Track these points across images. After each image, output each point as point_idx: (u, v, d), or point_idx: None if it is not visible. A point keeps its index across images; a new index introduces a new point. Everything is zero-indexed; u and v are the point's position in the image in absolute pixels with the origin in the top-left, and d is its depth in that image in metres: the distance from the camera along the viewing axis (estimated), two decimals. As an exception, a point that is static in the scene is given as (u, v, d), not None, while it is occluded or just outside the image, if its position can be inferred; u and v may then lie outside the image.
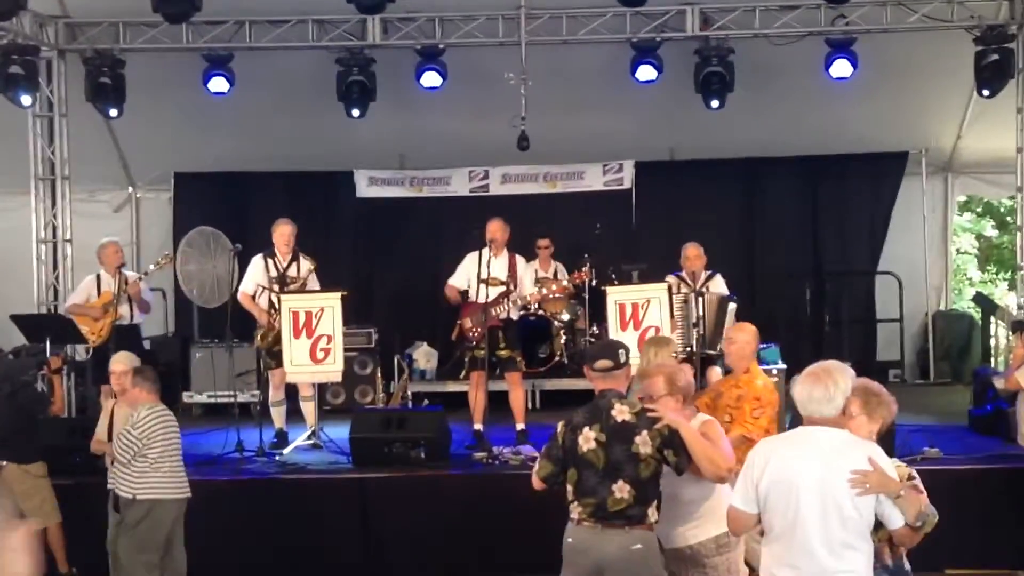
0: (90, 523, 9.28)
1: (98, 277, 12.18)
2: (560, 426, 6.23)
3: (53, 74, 13.73)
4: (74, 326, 11.80)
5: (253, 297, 11.65)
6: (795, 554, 5.02)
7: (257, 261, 11.73)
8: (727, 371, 11.43)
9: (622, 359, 6.25)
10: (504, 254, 11.62)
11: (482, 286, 11.48)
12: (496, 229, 11.62)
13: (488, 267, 11.46)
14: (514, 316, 11.77)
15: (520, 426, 11.54)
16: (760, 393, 7.70)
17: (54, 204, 13.94)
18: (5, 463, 9.42)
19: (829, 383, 5.10)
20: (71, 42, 13.65)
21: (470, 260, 11.71)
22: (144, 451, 8.35)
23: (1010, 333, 12.80)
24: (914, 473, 5.52)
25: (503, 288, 11.46)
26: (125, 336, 11.78)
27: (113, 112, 13.70)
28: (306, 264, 11.71)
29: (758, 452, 5.27)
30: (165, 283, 15.20)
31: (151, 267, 12.70)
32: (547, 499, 6.48)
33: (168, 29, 13.13)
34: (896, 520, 5.08)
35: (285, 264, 11.66)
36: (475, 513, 9.58)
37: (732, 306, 11.29)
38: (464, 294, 11.75)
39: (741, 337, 8.01)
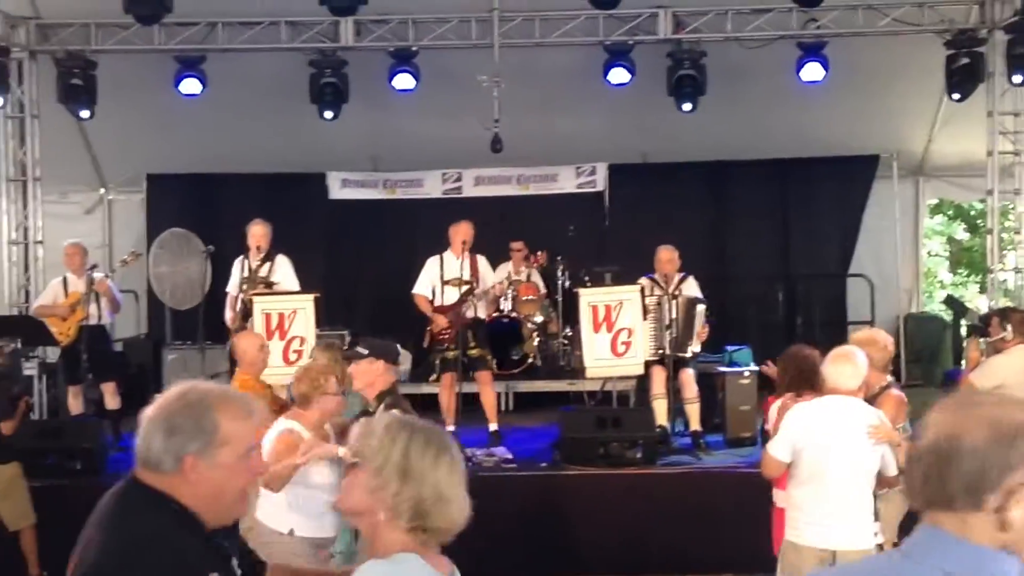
0: (62, 526, 9.22)
1: (65, 279, 12.12)
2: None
3: (24, 75, 13.68)
4: (44, 328, 11.75)
5: (236, 299, 11.67)
6: (823, 491, 6.32)
7: (238, 262, 11.76)
8: (701, 374, 11.55)
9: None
10: (466, 256, 11.64)
11: (447, 288, 11.51)
12: (468, 231, 11.64)
13: (454, 268, 11.52)
14: (482, 315, 11.80)
15: (493, 427, 11.54)
16: None
17: (25, 206, 13.88)
18: None
19: (857, 362, 6.50)
20: (43, 43, 13.60)
21: (432, 264, 11.73)
22: None
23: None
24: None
25: (467, 287, 11.49)
26: (93, 336, 11.75)
27: (85, 113, 13.65)
28: (274, 263, 11.71)
29: (795, 415, 6.58)
30: (137, 285, 15.14)
31: (117, 264, 12.69)
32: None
33: (140, 30, 13.10)
34: (892, 468, 6.41)
35: (256, 265, 11.65)
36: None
37: (701, 307, 11.33)
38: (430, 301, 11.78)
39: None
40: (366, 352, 7.07)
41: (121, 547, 2.89)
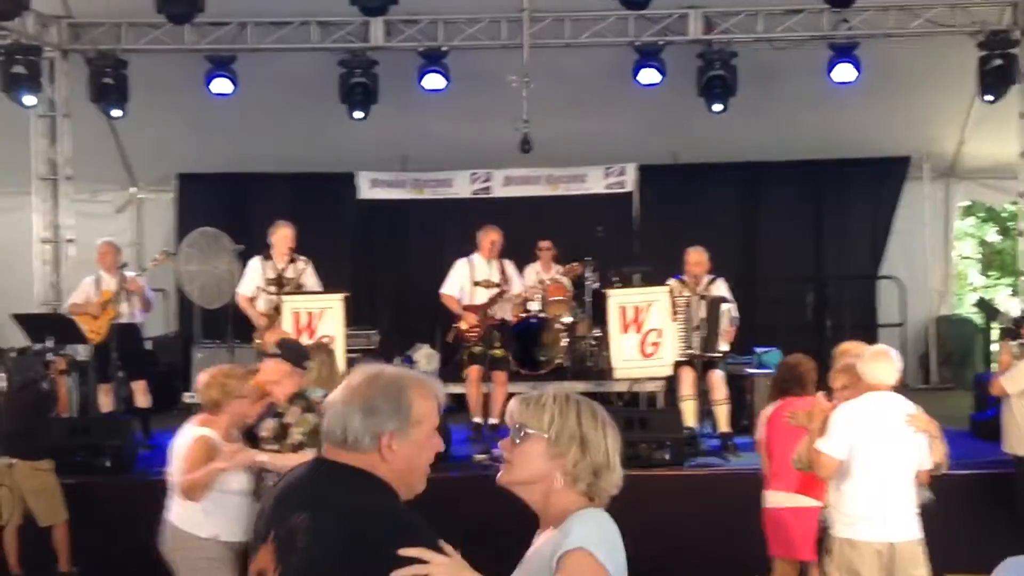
0: (92, 523, 9.27)
1: (98, 278, 12.16)
2: None
3: (56, 74, 13.75)
4: (75, 326, 11.80)
5: (252, 300, 11.62)
6: (876, 486, 6.40)
7: (255, 263, 11.71)
8: (730, 375, 11.52)
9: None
10: (494, 259, 11.68)
11: (477, 288, 11.54)
12: (497, 235, 11.67)
13: (484, 271, 11.57)
14: (508, 317, 11.81)
15: (492, 420, 11.53)
16: None
17: (56, 204, 13.95)
18: (15, 460, 9.41)
19: (893, 357, 6.62)
20: (74, 42, 13.67)
21: (461, 266, 11.74)
22: None
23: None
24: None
25: (498, 289, 11.52)
26: (124, 334, 11.79)
27: (116, 112, 13.74)
28: (301, 264, 11.71)
29: (844, 414, 6.53)
30: (167, 283, 15.19)
31: (149, 264, 12.74)
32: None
33: (171, 30, 13.17)
34: (926, 462, 6.57)
35: (282, 266, 11.63)
36: (482, 515, 9.58)
37: (725, 307, 11.28)
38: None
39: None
40: (278, 352, 7.17)
41: (358, 518, 3.03)
